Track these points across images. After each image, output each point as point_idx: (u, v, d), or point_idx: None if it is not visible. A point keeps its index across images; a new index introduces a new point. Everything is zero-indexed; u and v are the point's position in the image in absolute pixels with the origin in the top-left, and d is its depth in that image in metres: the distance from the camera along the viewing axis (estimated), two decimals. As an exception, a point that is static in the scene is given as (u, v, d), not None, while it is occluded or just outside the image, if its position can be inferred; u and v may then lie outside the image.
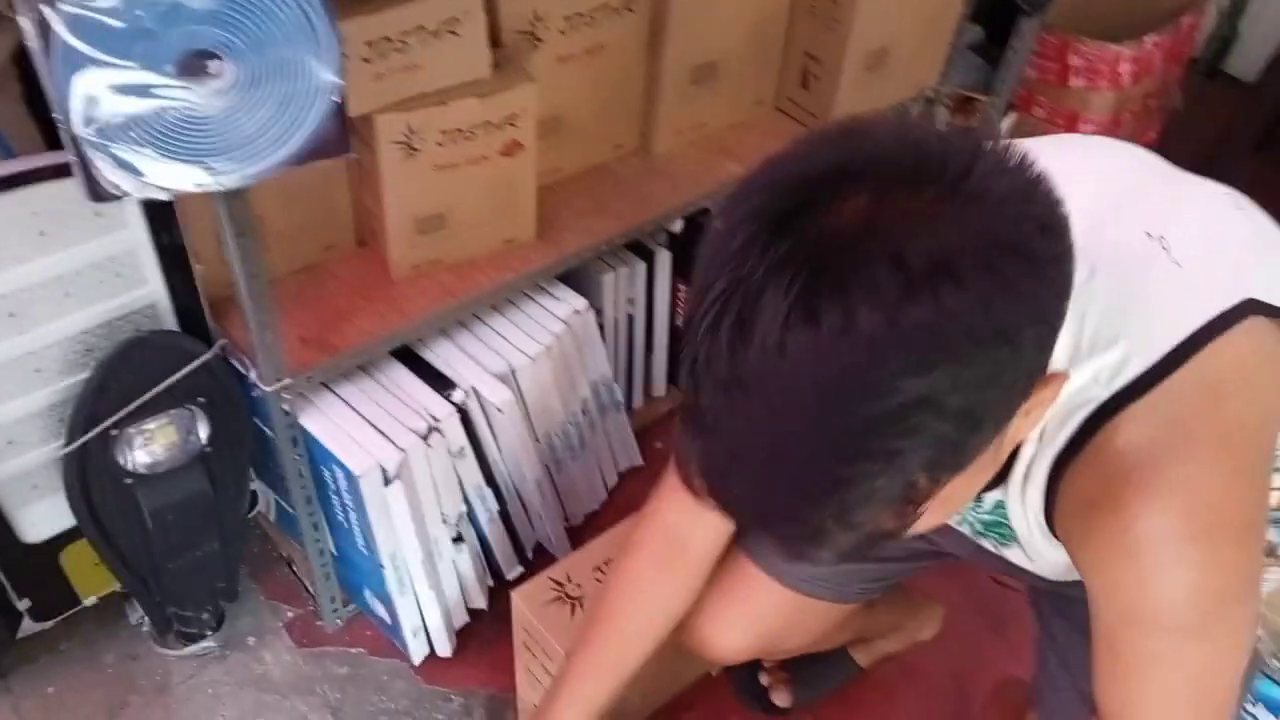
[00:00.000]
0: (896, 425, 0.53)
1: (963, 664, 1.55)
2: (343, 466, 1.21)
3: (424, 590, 1.35)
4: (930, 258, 0.51)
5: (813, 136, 0.58)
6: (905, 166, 0.54)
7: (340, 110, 0.92)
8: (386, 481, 1.22)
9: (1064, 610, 1.03)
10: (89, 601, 1.35)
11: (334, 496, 1.30)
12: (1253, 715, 1.31)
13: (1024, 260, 0.53)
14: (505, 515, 1.47)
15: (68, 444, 1.15)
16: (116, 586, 1.36)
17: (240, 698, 1.43)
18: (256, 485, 1.47)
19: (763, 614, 1.15)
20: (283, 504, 1.46)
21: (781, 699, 1.47)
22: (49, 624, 1.35)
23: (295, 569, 1.58)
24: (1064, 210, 0.56)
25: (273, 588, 1.56)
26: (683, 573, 1.02)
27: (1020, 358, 0.55)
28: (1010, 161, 0.56)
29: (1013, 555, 0.91)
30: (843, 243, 0.52)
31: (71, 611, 1.35)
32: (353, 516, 1.29)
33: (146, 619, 1.43)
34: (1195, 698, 0.74)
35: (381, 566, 1.31)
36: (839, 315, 0.51)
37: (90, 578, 1.33)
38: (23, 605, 1.29)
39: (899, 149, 0.54)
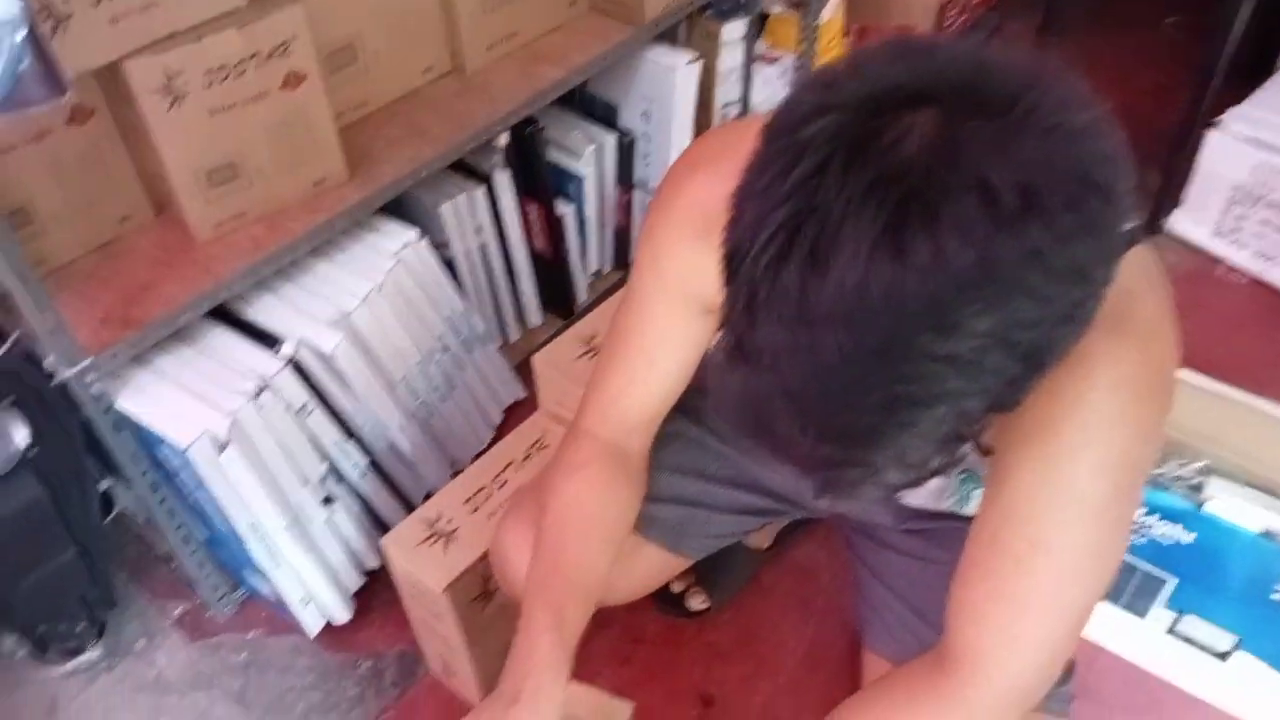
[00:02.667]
0: (970, 364, 0.51)
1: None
2: (169, 443, 1.14)
3: (299, 558, 1.29)
4: (1019, 191, 0.49)
5: (870, 53, 0.55)
6: (975, 90, 0.51)
7: (38, 46, 0.84)
8: (220, 448, 1.15)
9: (887, 542, 1.07)
10: (-54, 635, 1.28)
11: (178, 477, 1.23)
12: (1147, 525, 1.31)
13: (1103, 197, 0.52)
14: (378, 468, 1.41)
15: None
16: (-26, 615, 1.29)
17: (136, 704, 1.37)
18: (113, 486, 1.40)
19: (645, 570, 1.11)
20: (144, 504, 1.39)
21: (697, 602, 1.44)
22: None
23: (176, 565, 1.51)
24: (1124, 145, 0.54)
25: (156, 587, 1.50)
26: (632, 482, 0.97)
27: (1092, 296, 0.55)
28: (1078, 93, 0.53)
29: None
30: (926, 171, 0.50)
31: (-71, 649, 1.27)
32: (200, 495, 1.22)
33: (22, 644, 1.36)
34: (1064, 598, 0.71)
35: (245, 540, 1.24)
36: (928, 250, 0.49)
37: (-61, 610, 1.26)
38: None
39: (965, 71, 0.52)
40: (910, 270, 0.49)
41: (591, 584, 0.93)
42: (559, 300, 1.83)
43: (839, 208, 0.50)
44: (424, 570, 1.15)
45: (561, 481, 0.95)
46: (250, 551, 1.26)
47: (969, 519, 0.99)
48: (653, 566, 1.10)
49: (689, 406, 1.06)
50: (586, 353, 1.30)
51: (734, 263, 0.54)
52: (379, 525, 1.45)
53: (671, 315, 0.89)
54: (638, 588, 1.12)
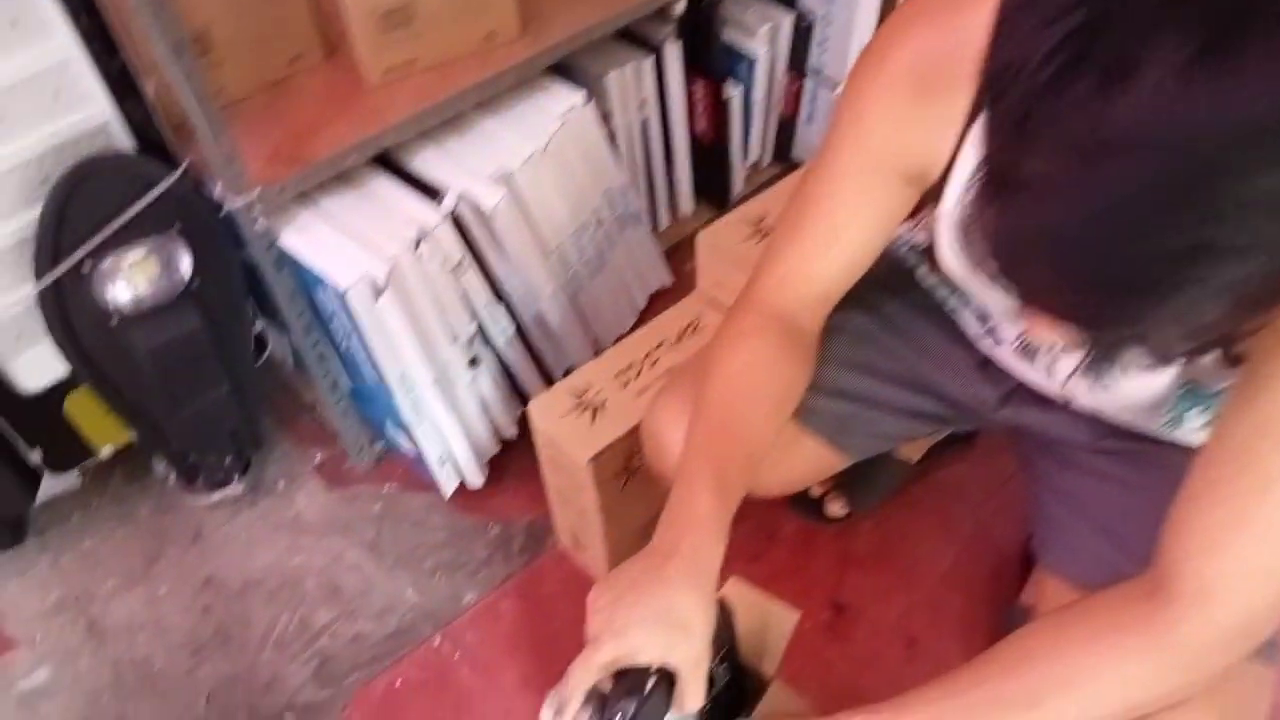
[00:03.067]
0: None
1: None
2: (330, 283, 1.14)
3: (443, 415, 1.29)
4: None
5: None
6: None
7: None
8: (377, 294, 1.14)
9: (1073, 461, 0.97)
10: (105, 452, 1.32)
11: (332, 322, 1.23)
12: None
13: None
14: (524, 337, 1.39)
15: (37, 280, 1.09)
16: (132, 436, 1.33)
17: (275, 541, 1.41)
18: (266, 329, 1.41)
19: (801, 464, 1.05)
20: (295, 348, 1.40)
21: (836, 509, 1.38)
22: (69, 475, 1.33)
23: (320, 413, 1.53)
24: None
25: (299, 434, 1.53)
26: (802, 357, 0.91)
27: None
28: None
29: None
30: None
31: (90, 462, 1.32)
32: (354, 340, 1.22)
33: (172, 472, 1.41)
34: None
35: (392, 391, 1.24)
36: (1259, 67, 0.41)
37: (102, 427, 1.30)
38: (35, 456, 1.26)
39: None
40: (1233, 89, 0.41)
41: (755, 450, 0.87)
42: (714, 188, 1.76)
43: (1145, 14, 0.42)
44: (569, 439, 1.12)
45: (728, 348, 0.89)
46: (397, 403, 1.25)
47: (1171, 445, 0.92)
48: (809, 461, 1.05)
49: (865, 298, 0.99)
50: (754, 235, 1.23)
51: (1002, 81, 0.47)
52: (519, 395, 1.43)
53: (868, 184, 0.82)
54: (789, 481, 1.07)
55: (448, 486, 1.39)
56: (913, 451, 1.37)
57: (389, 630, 1.31)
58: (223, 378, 1.29)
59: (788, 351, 0.90)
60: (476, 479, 1.39)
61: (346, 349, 1.26)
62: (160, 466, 1.45)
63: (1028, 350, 0.92)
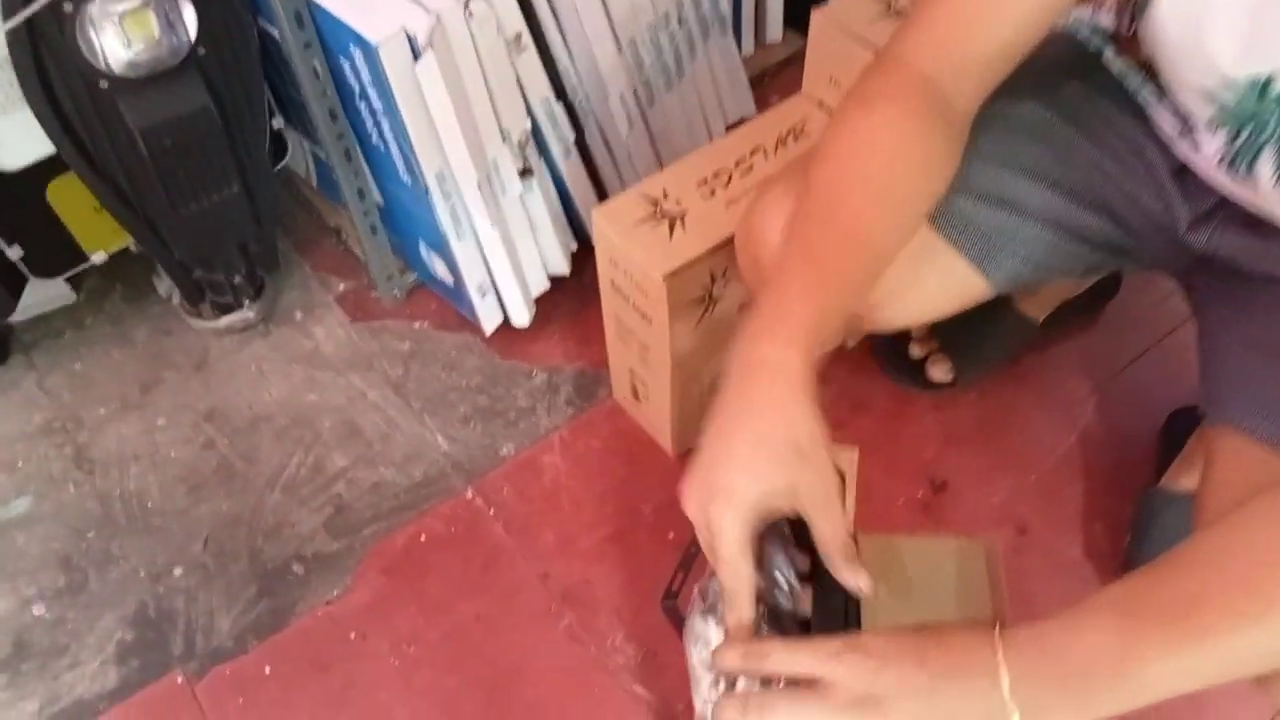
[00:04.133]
0: None
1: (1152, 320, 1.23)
2: (359, 40, 0.93)
3: (487, 231, 1.09)
4: None
5: None
6: None
7: None
8: (416, 55, 0.93)
9: (1260, 302, 0.77)
10: (97, 258, 1.14)
11: (361, 106, 1.03)
12: None
13: None
14: (584, 150, 1.18)
15: (5, 20, 0.90)
16: (130, 243, 1.15)
17: (289, 373, 1.23)
18: (285, 131, 1.22)
19: (940, 290, 0.85)
20: (319, 158, 1.21)
21: (940, 373, 1.18)
22: (58, 285, 1.15)
23: (345, 238, 1.34)
24: None
25: (321, 261, 1.34)
26: (951, 135, 0.71)
27: None
28: None
29: None
30: None
31: (80, 269, 1.14)
32: (385, 127, 1.02)
33: (176, 290, 1.23)
34: None
35: (429, 194, 1.04)
36: None
37: (91, 226, 1.11)
38: (14, 254, 1.08)
39: None
40: None
41: (874, 251, 0.68)
42: (806, 18, 1.52)
43: None
44: (641, 252, 0.92)
45: (855, 110, 0.69)
46: (433, 211, 1.06)
47: None
48: (941, 285, 0.84)
49: (1036, 80, 0.77)
50: (886, 14, 1.01)
51: None
52: (573, 225, 1.23)
53: None
54: (910, 309, 0.87)
55: (489, 323, 1.20)
56: (1039, 308, 1.16)
57: (414, 480, 1.14)
58: (232, 174, 1.10)
59: (932, 125, 0.69)
60: (523, 316, 1.20)
61: (376, 141, 1.06)
62: (163, 285, 1.27)
63: (1233, 165, 0.71)
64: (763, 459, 0.61)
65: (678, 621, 0.72)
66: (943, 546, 0.71)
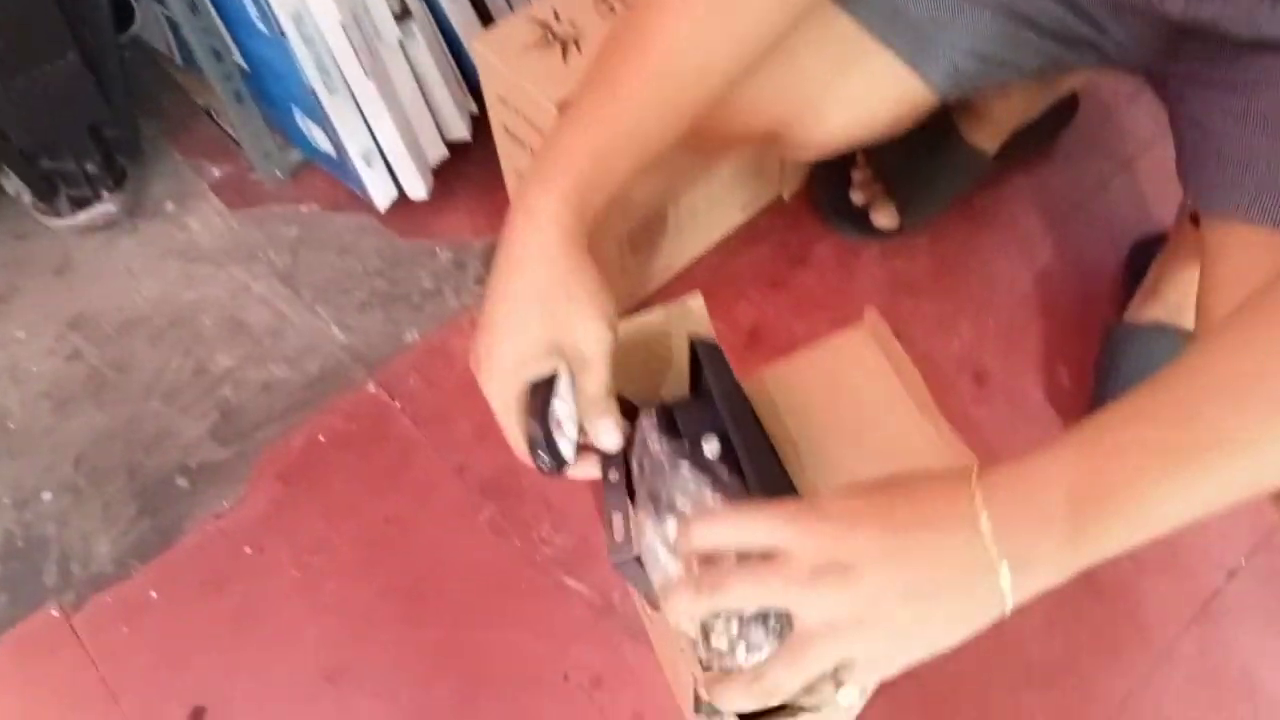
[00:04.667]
0: None
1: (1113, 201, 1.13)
2: None
3: (361, 83, 0.95)
4: None
5: None
6: None
7: None
8: None
9: (1270, 78, 0.64)
10: (-84, 146, 0.99)
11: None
12: None
13: None
14: (472, -9, 1.04)
15: None
16: (-46, 129, 0.99)
17: (163, 270, 1.10)
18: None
19: (871, 98, 0.74)
20: (173, 24, 1.05)
21: (885, 219, 1.07)
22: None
23: (217, 117, 1.19)
24: None
25: (193, 145, 1.19)
26: None
27: None
28: None
29: None
30: None
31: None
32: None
33: (25, 187, 1.08)
34: None
35: (285, 37, 0.90)
36: None
37: (-99, 108, 0.96)
38: None
39: None
40: None
41: (691, 72, 0.59)
42: None
43: None
44: (531, 81, 0.79)
45: None
46: (295, 58, 0.92)
47: None
48: (872, 89, 0.73)
49: None
50: None
51: None
52: (469, 81, 1.09)
53: None
54: (839, 127, 0.75)
55: (381, 197, 1.07)
56: (990, 137, 1.05)
57: (309, 376, 1.02)
58: (67, 40, 0.95)
59: None
60: (419, 188, 1.07)
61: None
62: (10, 183, 1.12)
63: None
64: (518, 318, 0.56)
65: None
66: (827, 350, 0.62)
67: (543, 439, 0.57)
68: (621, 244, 0.96)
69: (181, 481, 0.96)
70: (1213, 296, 0.62)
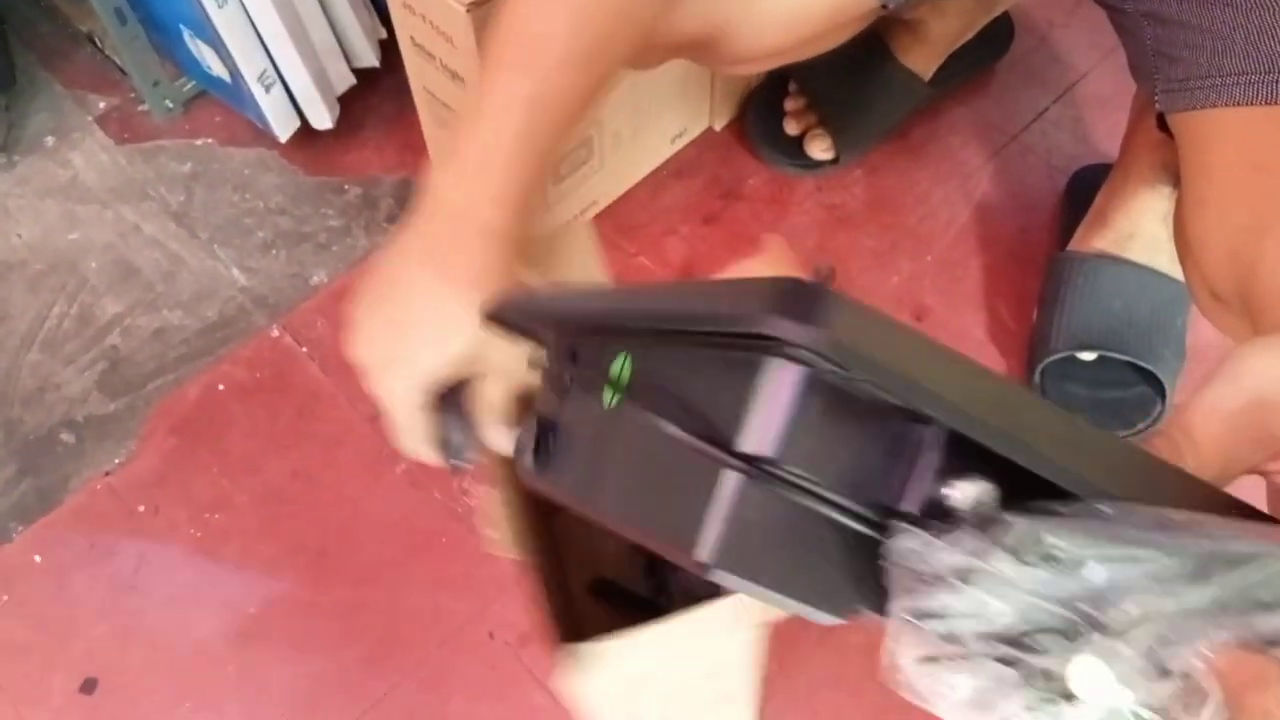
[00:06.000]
0: None
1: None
2: None
3: None
4: None
5: None
6: None
7: None
8: None
9: None
10: None
11: None
12: None
13: None
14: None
15: None
16: None
17: (41, 210, 1.01)
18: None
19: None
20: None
21: (820, 150, 1.02)
22: None
23: (101, 44, 1.10)
24: None
25: (75, 77, 1.09)
26: None
27: None
28: None
29: None
30: None
31: None
32: None
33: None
34: None
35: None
36: None
37: None
38: None
39: None
40: None
41: (608, 28, 0.55)
42: None
43: None
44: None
45: None
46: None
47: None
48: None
49: None
50: None
51: None
52: (381, 9, 1.02)
53: None
54: (769, 35, 0.70)
55: (282, 127, 0.99)
56: (925, 60, 1.00)
57: (206, 322, 0.94)
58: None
59: None
60: (323, 118, 0.99)
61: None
62: None
63: None
64: (445, 322, 0.54)
65: None
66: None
67: (458, 444, 0.56)
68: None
69: (66, 437, 0.88)
70: (1197, 207, 0.58)
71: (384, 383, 0.56)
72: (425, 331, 0.55)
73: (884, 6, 0.71)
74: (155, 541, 0.83)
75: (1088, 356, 0.91)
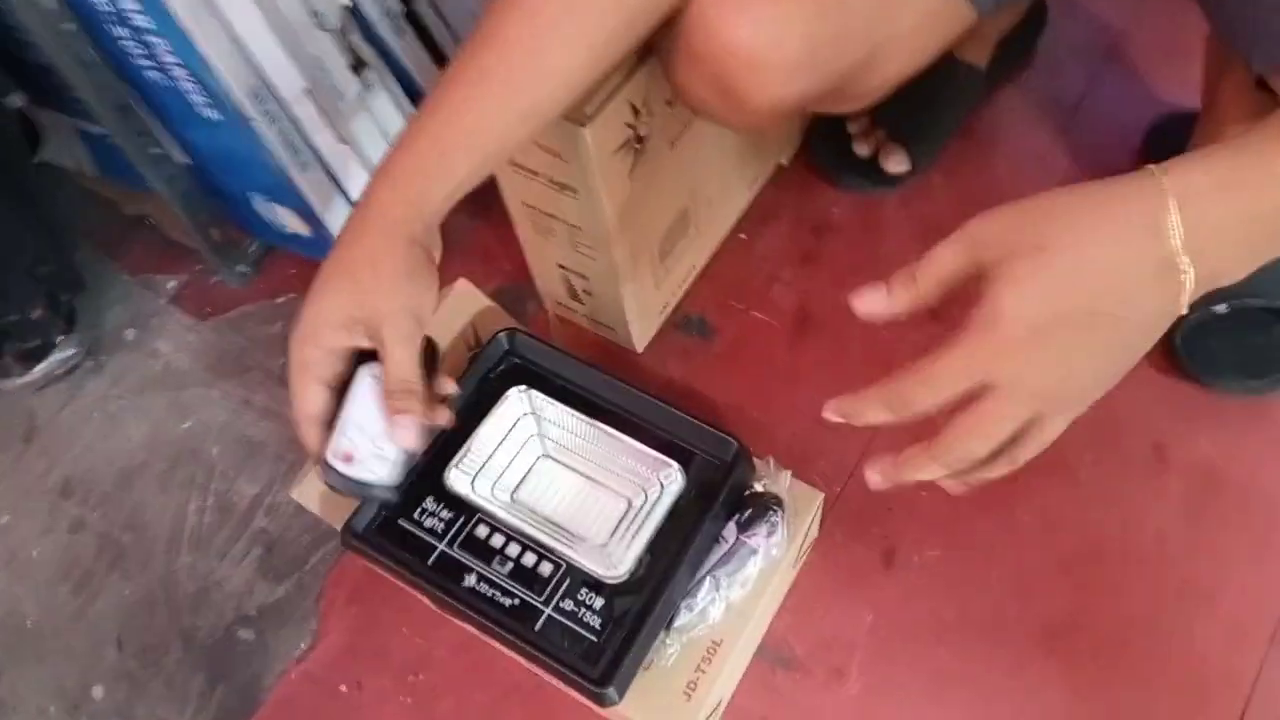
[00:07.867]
0: None
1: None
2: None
3: (332, 149, 0.86)
4: None
5: None
6: None
7: None
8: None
9: None
10: None
11: (118, 29, 0.77)
12: None
13: None
14: (416, 22, 0.94)
15: None
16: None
17: (146, 407, 0.98)
18: (29, 105, 0.93)
19: (923, 32, 0.70)
20: (88, 134, 0.93)
21: (896, 163, 1.02)
22: None
23: (156, 224, 1.07)
24: None
25: (138, 259, 1.07)
26: None
27: None
28: None
29: None
30: None
31: None
32: (161, 50, 0.76)
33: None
34: None
35: (245, 120, 0.80)
36: None
37: None
38: None
39: None
40: None
41: (532, 79, 0.60)
42: None
43: None
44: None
45: None
46: (260, 138, 0.81)
47: None
48: (925, 23, 0.67)
49: None
50: None
51: None
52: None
53: None
54: (894, 67, 0.70)
55: (369, 268, 0.97)
56: (979, 51, 1.01)
57: (347, 479, 0.92)
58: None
59: None
60: (406, 249, 0.97)
61: (156, 78, 0.80)
62: (-55, 352, 0.99)
63: None
64: (330, 287, 0.59)
65: None
66: None
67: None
68: (652, 257, 0.89)
69: (245, 634, 0.86)
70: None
71: (289, 345, 0.61)
72: (315, 292, 0.59)
73: (979, 15, 0.71)
74: (369, 716, 0.81)
75: (1221, 309, 0.91)
